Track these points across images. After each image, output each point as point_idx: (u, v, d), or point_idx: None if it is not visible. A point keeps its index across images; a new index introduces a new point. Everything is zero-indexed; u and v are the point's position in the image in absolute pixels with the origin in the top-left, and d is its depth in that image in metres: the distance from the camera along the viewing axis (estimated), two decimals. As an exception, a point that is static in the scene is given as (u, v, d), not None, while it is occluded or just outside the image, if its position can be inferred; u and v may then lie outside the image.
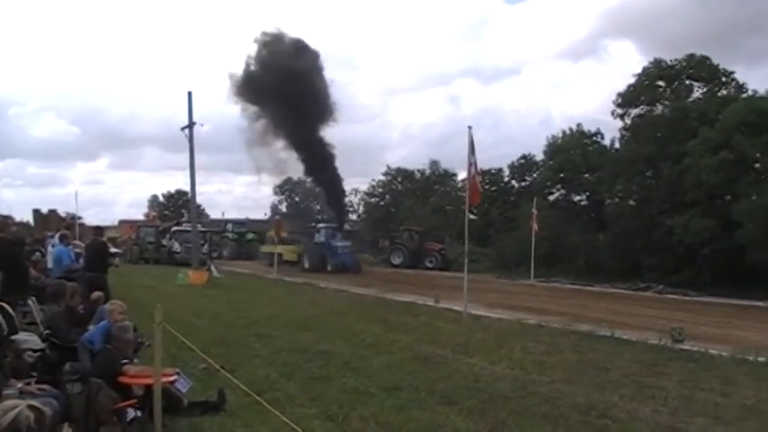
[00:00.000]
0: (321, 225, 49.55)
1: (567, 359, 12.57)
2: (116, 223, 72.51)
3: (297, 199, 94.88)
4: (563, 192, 54.98)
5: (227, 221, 66.26)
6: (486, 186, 56.24)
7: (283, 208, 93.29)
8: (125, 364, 7.64)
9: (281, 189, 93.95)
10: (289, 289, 28.89)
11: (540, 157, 57.89)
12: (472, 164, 19.53)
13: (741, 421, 8.44)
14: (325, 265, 43.34)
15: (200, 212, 66.65)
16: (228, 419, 7.83)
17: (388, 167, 73.92)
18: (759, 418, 8.59)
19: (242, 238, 60.26)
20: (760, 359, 12.62)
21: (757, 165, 37.07)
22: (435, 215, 60.55)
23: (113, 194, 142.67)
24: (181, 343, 10.08)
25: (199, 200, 59.93)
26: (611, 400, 9.23)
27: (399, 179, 73.18)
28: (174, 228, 50.80)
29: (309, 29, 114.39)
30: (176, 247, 47.04)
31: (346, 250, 45.52)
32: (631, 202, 45.41)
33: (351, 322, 17.34)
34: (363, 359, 11.91)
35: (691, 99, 43.87)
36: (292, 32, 54.85)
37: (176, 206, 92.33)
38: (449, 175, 69.85)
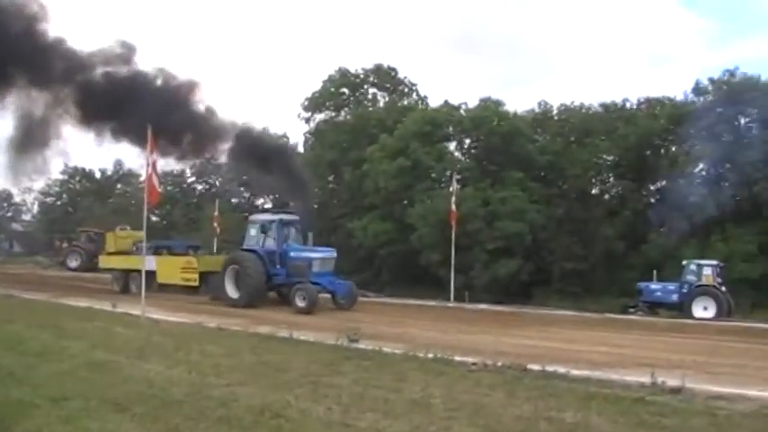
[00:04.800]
0: (270, 217, 27.12)
1: (244, 361, 12.52)
2: None
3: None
4: (246, 195, 55.53)
5: None
6: (169, 188, 55.96)
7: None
8: None
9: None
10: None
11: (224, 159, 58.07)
12: (150, 164, 19.18)
13: (409, 414, 8.76)
14: (279, 293, 25.87)
15: None
16: None
17: (66, 165, 69.55)
18: (425, 411, 8.97)
19: None
20: (429, 355, 13.33)
21: (433, 174, 39.69)
22: (116, 216, 58.25)
23: None
24: None
25: None
26: (285, 400, 9.25)
27: (78, 178, 69.47)
28: None
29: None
30: None
31: (327, 266, 25.43)
32: (314, 206, 46.73)
33: (18, 329, 16.11)
34: (30, 368, 11.11)
35: (375, 107, 46.29)
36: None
37: None
38: (134, 175, 67.66)
